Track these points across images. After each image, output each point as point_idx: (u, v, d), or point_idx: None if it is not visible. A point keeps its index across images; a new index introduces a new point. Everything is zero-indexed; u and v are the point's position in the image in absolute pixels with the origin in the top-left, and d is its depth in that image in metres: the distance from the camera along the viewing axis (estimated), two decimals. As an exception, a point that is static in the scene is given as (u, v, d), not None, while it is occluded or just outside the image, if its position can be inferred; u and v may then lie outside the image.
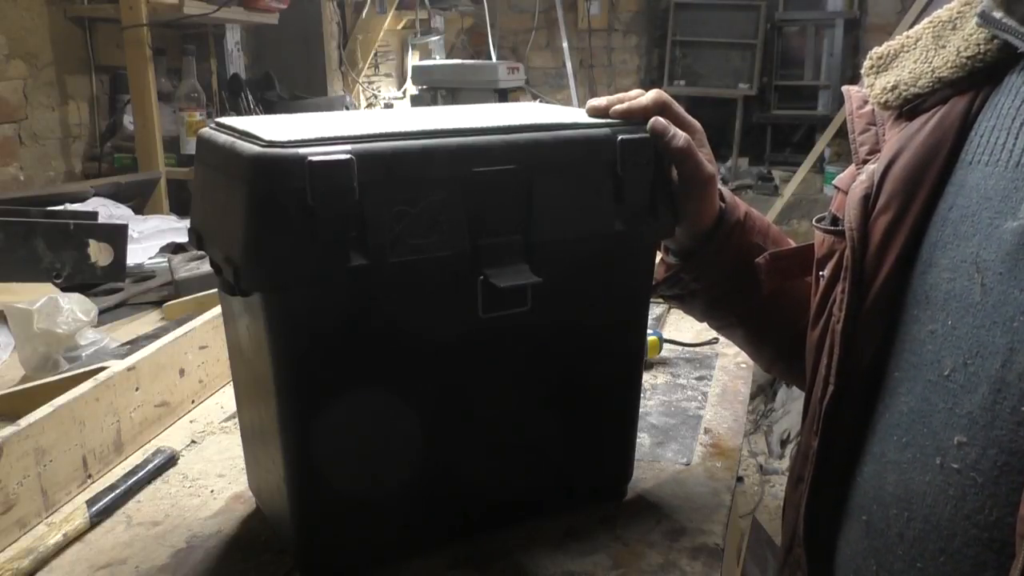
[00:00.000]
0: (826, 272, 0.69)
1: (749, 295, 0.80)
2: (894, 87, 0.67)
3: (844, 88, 0.76)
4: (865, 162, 0.68)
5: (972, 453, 0.55)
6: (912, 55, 0.68)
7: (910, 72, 0.67)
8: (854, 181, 0.68)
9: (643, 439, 0.93)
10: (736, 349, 1.20)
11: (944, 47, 0.66)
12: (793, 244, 0.82)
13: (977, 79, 0.63)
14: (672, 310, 1.36)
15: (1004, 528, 0.53)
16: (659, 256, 0.83)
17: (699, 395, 1.07)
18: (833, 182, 0.74)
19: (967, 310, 0.58)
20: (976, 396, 0.56)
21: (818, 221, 0.73)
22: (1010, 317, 0.55)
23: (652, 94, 0.75)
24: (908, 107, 0.66)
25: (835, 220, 0.70)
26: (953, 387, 0.58)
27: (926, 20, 0.69)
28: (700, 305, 0.84)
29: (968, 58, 0.63)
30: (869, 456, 0.64)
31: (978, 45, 0.63)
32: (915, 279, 0.62)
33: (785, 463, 3.17)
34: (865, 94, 0.71)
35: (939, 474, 0.58)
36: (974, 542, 0.55)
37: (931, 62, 0.66)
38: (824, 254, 0.70)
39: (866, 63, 0.71)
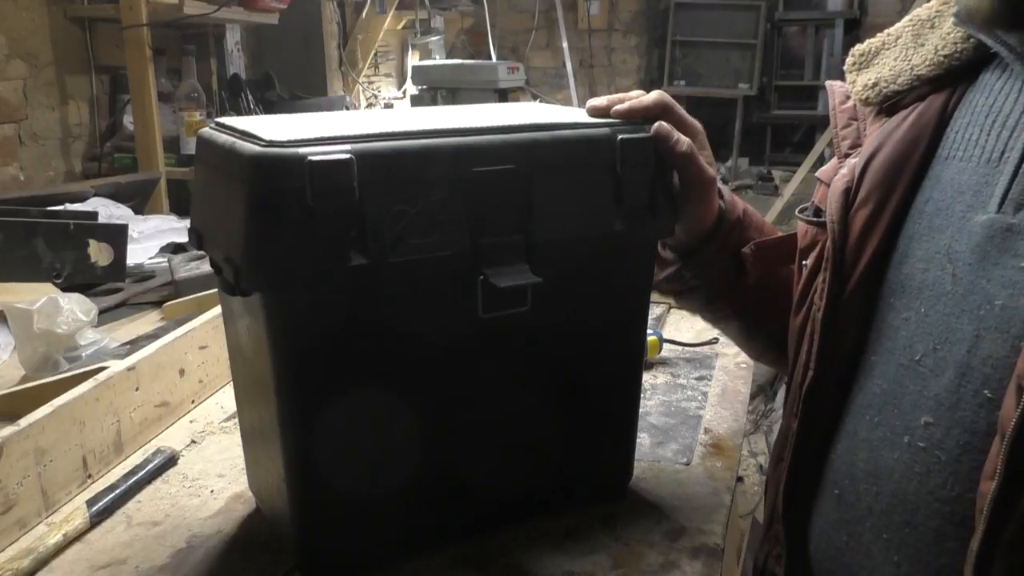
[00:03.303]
0: (808, 262, 0.72)
1: (745, 288, 0.81)
2: (875, 84, 0.69)
3: (828, 83, 0.77)
4: (847, 156, 0.71)
5: (937, 432, 0.59)
6: (892, 52, 0.70)
7: (890, 69, 0.69)
8: (836, 174, 0.70)
9: (643, 439, 0.93)
10: (736, 349, 1.20)
11: (923, 45, 0.68)
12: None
13: (954, 76, 0.66)
14: (672, 310, 1.37)
15: (965, 503, 0.56)
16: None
17: (699, 395, 1.07)
18: (816, 174, 0.76)
19: (939, 299, 0.61)
20: (943, 379, 0.59)
21: (801, 212, 0.74)
22: (977, 306, 0.58)
23: (654, 95, 0.75)
24: (888, 103, 0.68)
25: (817, 211, 0.72)
26: (923, 371, 0.61)
27: (906, 19, 0.71)
28: (699, 300, 0.85)
29: (945, 56, 0.65)
30: (843, 434, 0.67)
31: (955, 44, 0.65)
32: (892, 269, 0.65)
33: (785, 463, 3.17)
34: (847, 89, 0.73)
35: (907, 451, 0.61)
36: (936, 515, 0.58)
37: (910, 60, 0.68)
38: (807, 244, 0.73)
39: (848, 60, 0.73)
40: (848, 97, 0.73)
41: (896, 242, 0.64)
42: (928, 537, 0.59)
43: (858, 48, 0.72)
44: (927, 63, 0.66)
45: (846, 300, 0.66)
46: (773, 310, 0.84)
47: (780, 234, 0.83)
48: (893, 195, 0.65)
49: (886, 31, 0.72)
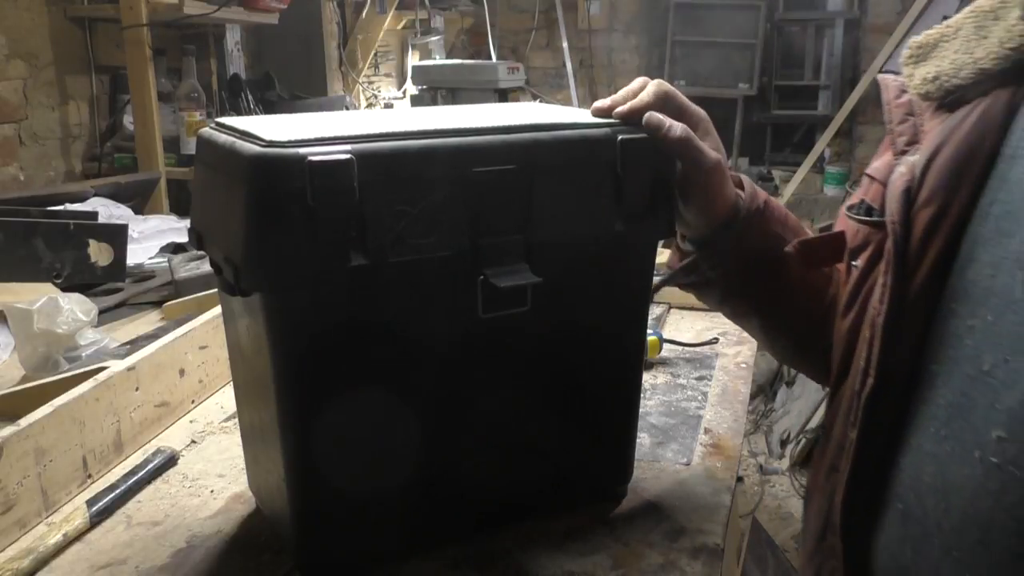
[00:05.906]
0: (860, 262, 0.69)
1: (766, 283, 0.79)
2: (935, 77, 0.66)
3: (880, 76, 0.74)
4: (903, 153, 0.68)
5: (1012, 448, 0.56)
6: (953, 45, 0.67)
7: (951, 63, 0.66)
8: (891, 171, 0.67)
9: (643, 439, 0.93)
10: (736, 349, 1.20)
11: (986, 38, 0.65)
12: (810, 232, 0.82)
13: (1020, 71, 0.62)
14: (672, 310, 1.37)
15: None
16: (666, 246, 0.82)
17: (699, 395, 1.07)
18: (867, 171, 0.74)
19: (1008, 307, 0.57)
20: (1016, 392, 0.56)
21: (850, 209, 0.72)
22: None
23: (651, 88, 0.74)
24: (950, 98, 0.66)
25: (869, 210, 0.70)
26: (993, 383, 0.57)
27: (967, 9, 0.68)
28: (716, 294, 0.83)
29: (1011, 49, 0.62)
30: (907, 447, 0.64)
31: (1021, 37, 0.62)
32: (955, 274, 0.62)
33: (785, 463, 3.17)
34: (902, 83, 0.71)
35: (978, 467, 0.58)
36: (1013, 534, 0.56)
37: (973, 53, 0.65)
38: (858, 244, 0.70)
39: (905, 53, 0.70)
40: (903, 91, 0.71)
41: (960, 245, 0.62)
42: (1003, 556, 0.56)
43: (915, 40, 0.70)
44: (991, 56, 0.63)
45: (909, 305, 0.63)
46: (795, 308, 0.82)
47: (809, 232, 0.81)
48: (958, 195, 0.62)
49: (944, 23, 0.69)
